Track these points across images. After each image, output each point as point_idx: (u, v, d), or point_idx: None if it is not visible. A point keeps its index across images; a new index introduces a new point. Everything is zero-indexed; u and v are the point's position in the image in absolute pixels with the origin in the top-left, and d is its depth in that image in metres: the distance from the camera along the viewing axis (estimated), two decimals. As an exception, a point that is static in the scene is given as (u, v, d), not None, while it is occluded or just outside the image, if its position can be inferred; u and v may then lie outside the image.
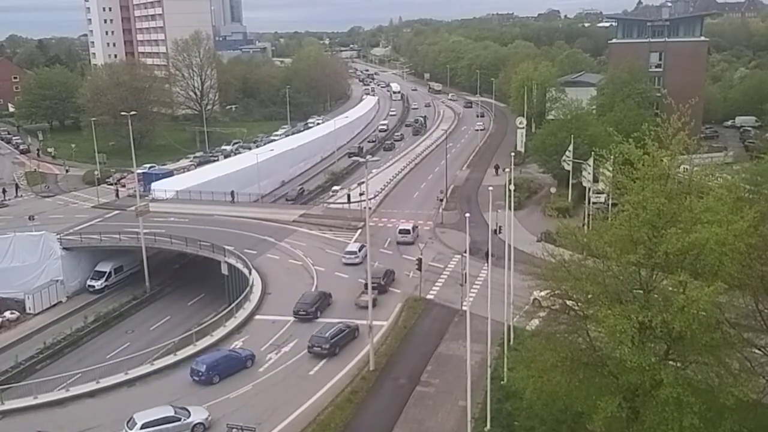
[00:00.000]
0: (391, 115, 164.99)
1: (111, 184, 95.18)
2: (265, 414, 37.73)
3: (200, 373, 41.61)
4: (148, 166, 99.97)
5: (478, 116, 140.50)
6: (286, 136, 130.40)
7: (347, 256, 60.89)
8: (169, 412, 36.88)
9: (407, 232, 66.49)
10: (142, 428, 35.61)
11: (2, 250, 67.43)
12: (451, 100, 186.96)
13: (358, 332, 46.36)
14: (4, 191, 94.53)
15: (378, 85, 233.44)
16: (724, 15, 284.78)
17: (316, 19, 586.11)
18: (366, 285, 46.65)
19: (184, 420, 36.40)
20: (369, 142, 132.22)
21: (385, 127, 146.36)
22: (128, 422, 36.23)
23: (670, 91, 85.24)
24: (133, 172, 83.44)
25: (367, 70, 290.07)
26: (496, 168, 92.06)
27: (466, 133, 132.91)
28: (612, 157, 32.06)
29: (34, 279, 65.90)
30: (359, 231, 68.58)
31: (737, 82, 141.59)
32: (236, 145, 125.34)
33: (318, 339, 44.50)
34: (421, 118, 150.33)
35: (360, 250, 60.30)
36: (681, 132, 27.66)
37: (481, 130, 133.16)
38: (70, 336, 57.62)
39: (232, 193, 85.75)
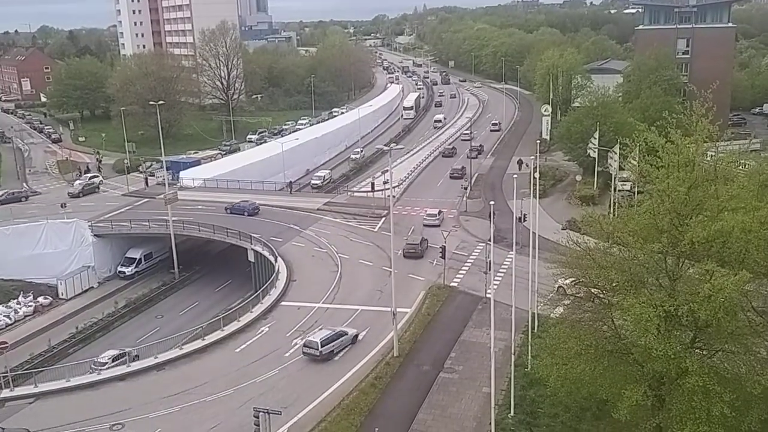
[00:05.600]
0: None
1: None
2: (291, 398, 38.33)
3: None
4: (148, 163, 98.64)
5: (475, 86, 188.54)
6: (311, 125, 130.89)
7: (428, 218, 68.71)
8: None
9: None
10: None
11: (35, 237, 69.13)
12: (431, 72, 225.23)
13: None
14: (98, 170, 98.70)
15: (411, 79, 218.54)
16: (752, 1, 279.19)
17: (340, 7, 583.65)
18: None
19: None
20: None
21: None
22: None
23: (697, 78, 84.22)
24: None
25: (401, 63, 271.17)
26: (519, 163, 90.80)
27: (491, 121, 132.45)
28: (637, 145, 31.88)
29: (67, 265, 67.55)
30: (383, 219, 68.90)
31: (765, 68, 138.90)
32: (261, 135, 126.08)
33: None
34: (445, 73, 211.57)
35: (438, 214, 69.75)
36: (704, 119, 27.44)
37: (479, 87, 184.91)
38: (101, 321, 59.03)
39: (290, 183, 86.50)
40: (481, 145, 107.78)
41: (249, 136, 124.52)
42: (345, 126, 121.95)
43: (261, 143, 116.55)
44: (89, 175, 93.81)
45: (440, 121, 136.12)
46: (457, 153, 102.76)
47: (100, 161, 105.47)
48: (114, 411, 37.95)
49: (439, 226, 67.20)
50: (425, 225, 67.62)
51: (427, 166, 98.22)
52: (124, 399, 39.26)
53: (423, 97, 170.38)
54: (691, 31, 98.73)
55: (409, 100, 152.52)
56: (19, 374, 44.61)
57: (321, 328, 45.10)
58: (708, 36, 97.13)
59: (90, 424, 36.93)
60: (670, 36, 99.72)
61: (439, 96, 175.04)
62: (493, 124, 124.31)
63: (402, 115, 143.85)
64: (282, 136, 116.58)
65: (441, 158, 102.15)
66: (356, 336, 45.07)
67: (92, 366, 45.15)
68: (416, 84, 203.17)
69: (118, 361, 45.46)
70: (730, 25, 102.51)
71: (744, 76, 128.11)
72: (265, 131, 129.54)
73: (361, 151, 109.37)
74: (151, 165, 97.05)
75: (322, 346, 42.39)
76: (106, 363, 45.13)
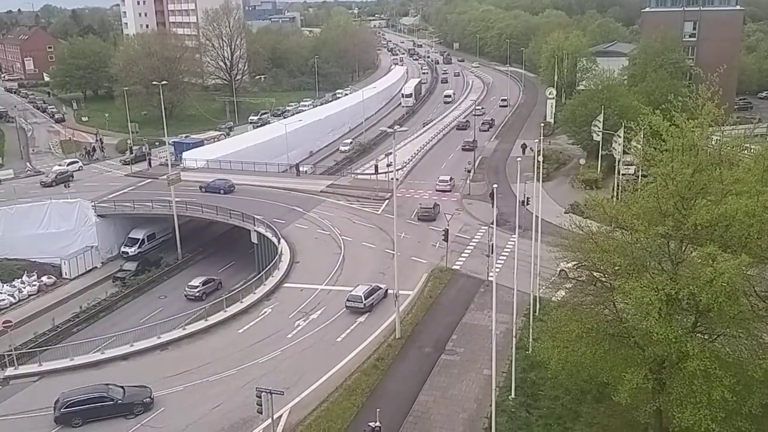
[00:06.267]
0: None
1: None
2: (294, 378, 38.58)
3: None
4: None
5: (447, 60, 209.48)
6: (314, 106, 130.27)
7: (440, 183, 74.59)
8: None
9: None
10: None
11: (39, 216, 69.35)
12: (432, 53, 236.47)
13: None
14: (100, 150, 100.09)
15: (417, 62, 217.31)
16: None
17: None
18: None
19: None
20: None
21: None
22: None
23: (703, 61, 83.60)
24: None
25: (402, 44, 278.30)
26: (523, 147, 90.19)
27: (495, 104, 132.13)
28: (641, 128, 31.74)
29: (70, 245, 67.81)
30: (386, 202, 68.87)
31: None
32: (262, 116, 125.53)
33: None
34: (447, 53, 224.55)
35: (450, 180, 75.60)
36: (709, 102, 27.26)
37: (477, 66, 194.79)
38: (104, 301, 59.25)
39: (297, 166, 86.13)
40: (492, 119, 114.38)
41: (251, 118, 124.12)
42: (349, 108, 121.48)
43: (260, 125, 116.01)
44: (68, 161, 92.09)
45: (450, 96, 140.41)
46: (470, 126, 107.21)
47: (101, 141, 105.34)
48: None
49: (450, 191, 73.42)
50: (438, 190, 73.52)
51: (439, 141, 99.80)
52: (128, 378, 39.44)
53: (425, 83, 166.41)
54: (699, 13, 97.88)
55: (409, 86, 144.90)
56: (24, 353, 44.88)
57: (359, 285, 48.26)
58: (715, 19, 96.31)
59: (94, 402, 37.10)
60: (676, 18, 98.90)
61: (443, 74, 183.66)
62: (502, 100, 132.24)
63: (401, 103, 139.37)
64: (285, 117, 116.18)
65: (455, 131, 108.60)
66: (387, 290, 48.27)
67: (185, 290, 57.60)
68: (422, 68, 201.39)
69: (207, 285, 58.31)
70: (738, 7, 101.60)
71: (751, 60, 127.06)
72: (268, 112, 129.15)
73: (352, 141, 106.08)
74: (158, 144, 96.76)
75: (365, 299, 46.09)
76: (198, 286, 57.70)
